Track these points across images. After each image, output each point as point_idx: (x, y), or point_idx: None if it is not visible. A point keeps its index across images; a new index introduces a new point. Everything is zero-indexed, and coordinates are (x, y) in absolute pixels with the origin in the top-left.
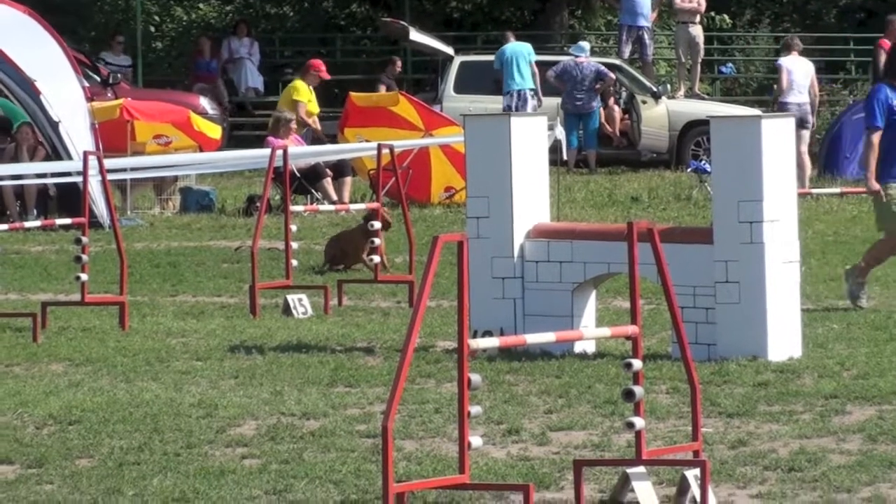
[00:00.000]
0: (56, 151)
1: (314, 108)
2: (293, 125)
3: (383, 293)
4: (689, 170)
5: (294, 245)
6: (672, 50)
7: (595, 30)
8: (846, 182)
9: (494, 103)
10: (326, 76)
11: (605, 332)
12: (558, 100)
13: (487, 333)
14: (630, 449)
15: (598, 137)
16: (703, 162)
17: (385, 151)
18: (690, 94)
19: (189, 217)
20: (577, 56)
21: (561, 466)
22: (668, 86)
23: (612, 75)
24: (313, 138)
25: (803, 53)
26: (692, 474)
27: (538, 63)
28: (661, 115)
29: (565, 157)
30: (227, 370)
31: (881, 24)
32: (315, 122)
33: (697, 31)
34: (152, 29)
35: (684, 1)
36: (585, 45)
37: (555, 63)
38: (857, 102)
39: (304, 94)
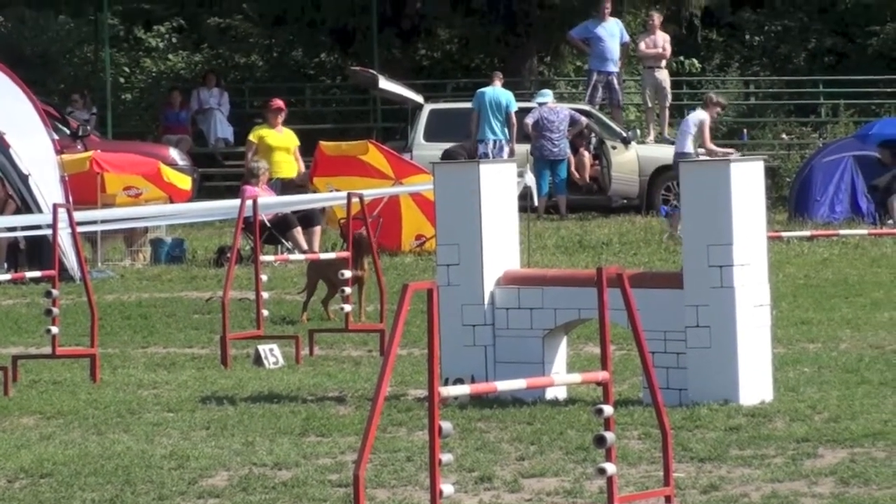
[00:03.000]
0: (26, 204)
1: (281, 142)
2: (264, 174)
3: (354, 342)
4: (661, 215)
5: (265, 295)
6: (640, 95)
7: (564, 75)
8: (816, 225)
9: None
10: (277, 104)
11: (576, 378)
12: (528, 146)
13: (459, 381)
14: (602, 495)
15: (568, 184)
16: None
17: (355, 200)
18: (660, 139)
19: (160, 268)
20: (542, 103)
21: None
22: (638, 131)
23: (584, 119)
24: (295, 185)
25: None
26: None
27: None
28: (630, 160)
29: (536, 204)
30: (198, 421)
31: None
32: (298, 160)
33: (664, 76)
34: (122, 80)
35: (648, 47)
36: (548, 92)
37: (527, 110)
38: (828, 145)
39: (254, 134)
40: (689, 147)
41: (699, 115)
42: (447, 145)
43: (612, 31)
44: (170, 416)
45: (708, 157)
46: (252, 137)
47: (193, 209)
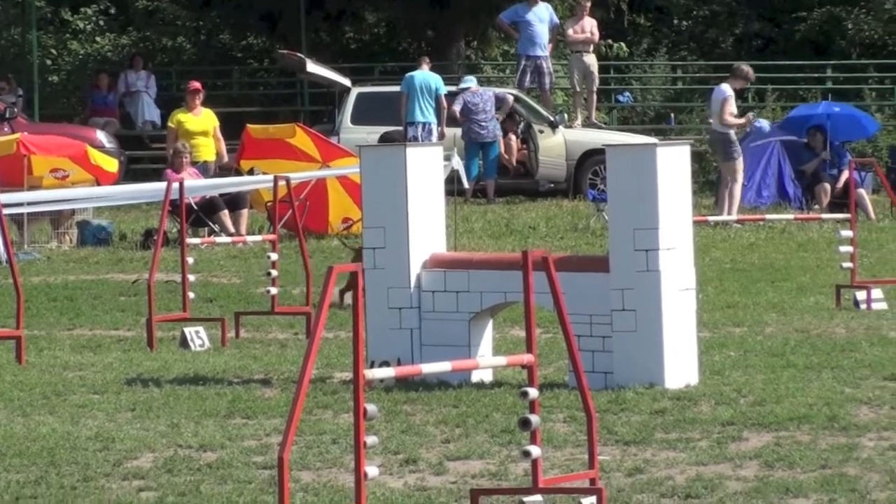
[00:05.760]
0: None
1: (199, 125)
2: (186, 157)
3: (281, 325)
4: (588, 199)
5: (191, 277)
6: (568, 79)
7: (491, 60)
8: (743, 209)
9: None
10: (194, 86)
11: (501, 361)
12: (458, 130)
13: (384, 364)
14: (527, 478)
15: (497, 167)
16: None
17: (282, 183)
18: (587, 124)
19: (86, 251)
20: (465, 89)
21: (458, 496)
22: (566, 115)
23: (510, 97)
24: (217, 167)
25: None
26: (588, 502)
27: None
28: (558, 144)
29: (465, 187)
30: (123, 403)
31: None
32: (218, 140)
33: (591, 61)
34: (49, 63)
35: (577, 32)
36: (471, 77)
37: (456, 94)
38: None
39: (172, 120)
40: (719, 127)
41: (723, 91)
42: (375, 128)
43: (541, 16)
44: (95, 398)
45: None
46: (171, 123)
47: (120, 192)
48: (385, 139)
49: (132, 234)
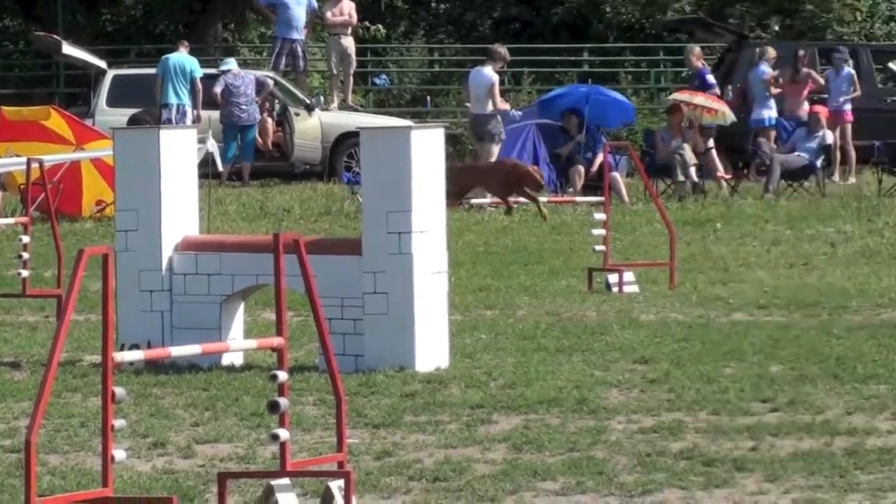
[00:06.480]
0: None
1: None
2: None
3: (31, 308)
4: (343, 182)
5: None
6: (325, 62)
7: (249, 42)
8: None
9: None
10: None
11: (252, 343)
12: (215, 112)
13: (135, 347)
14: (275, 461)
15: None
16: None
17: (35, 166)
18: (344, 106)
19: None
20: (226, 71)
21: (206, 479)
22: (322, 98)
23: (271, 82)
24: None
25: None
26: (336, 485)
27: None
28: (314, 127)
29: (220, 169)
30: None
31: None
32: None
33: (349, 43)
34: None
35: (335, 15)
36: (232, 59)
37: (213, 76)
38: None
39: None
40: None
41: (488, 77)
42: (130, 111)
43: None
44: None
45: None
46: None
47: None
48: (133, 121)
49: None
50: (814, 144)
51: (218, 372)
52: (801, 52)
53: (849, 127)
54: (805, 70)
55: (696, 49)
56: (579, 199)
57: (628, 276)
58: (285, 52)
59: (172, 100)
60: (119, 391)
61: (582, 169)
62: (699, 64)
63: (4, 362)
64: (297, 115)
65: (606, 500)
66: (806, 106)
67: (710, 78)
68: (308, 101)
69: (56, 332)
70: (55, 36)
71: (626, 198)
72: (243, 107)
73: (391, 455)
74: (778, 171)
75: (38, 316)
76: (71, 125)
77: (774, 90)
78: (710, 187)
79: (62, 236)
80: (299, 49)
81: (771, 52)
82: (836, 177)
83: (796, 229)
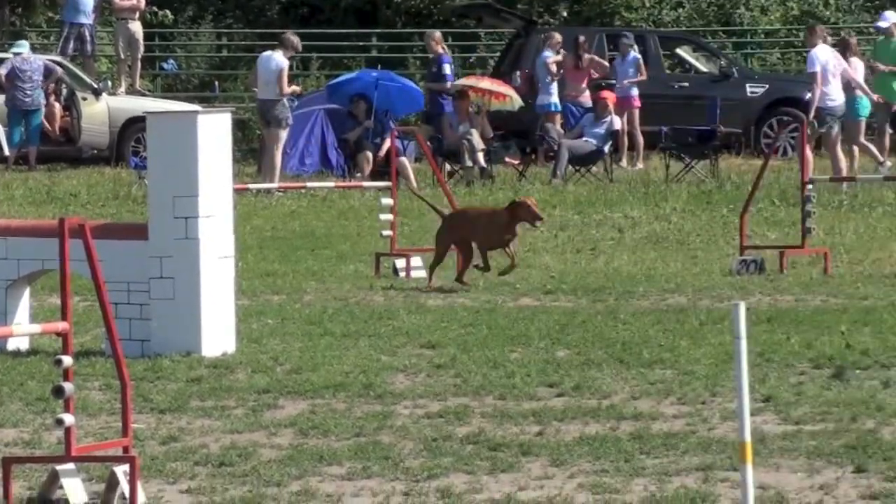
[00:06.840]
0: None
1: None
2: None
3: None
4: (131, 167)
5: None
6: (113, 47)
7: (36, 26)
8: (285, 177)
9: None
10: None
11: (36, 328)
12: (0, 96)
13: None
14: (60, 446)
15: (40, 135)
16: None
17: None
18: (131, 91)
19: None
20: (17, 54)
21: None
22: (109, 82)
23: (59, 69)
24: None
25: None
26: (121, 470)
27: None
28: (101, 111)
29: (6, 154)
30: None
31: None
32: None
33: (137, 28)
34: None
35: (123, 0)
36: (25, 42)
37: (1, 60)
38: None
39: None
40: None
41: (279, 63)
42: None
43: None
44: None
45: None
46: None
47: None
48: None
49: None
50: (601, 130)
51: (3, 357)
52: (582, 39)
53: (636, 112)
54: (587, 56)
55: (437, 34)
56: (367, 184)
57: (415, 261)
58: (73, 37)
59: None
60: None
61: (370, 154)
62: (439, 49)
63: None
64: (85, 99)
65: (392, 485)
66: (587, 92)
67: (447, 68)
68: (96, 86)
69: None
70: None
71: (413, 183)
72: (28, 91)
73: (177, 440)
74: (566, 157)
75: None
76: None
77: (556, 76)
78: (498, 171)
79: None
80: (87, 33)
81: (556, 37)
82: (624, 162)
83: (584, 214)
